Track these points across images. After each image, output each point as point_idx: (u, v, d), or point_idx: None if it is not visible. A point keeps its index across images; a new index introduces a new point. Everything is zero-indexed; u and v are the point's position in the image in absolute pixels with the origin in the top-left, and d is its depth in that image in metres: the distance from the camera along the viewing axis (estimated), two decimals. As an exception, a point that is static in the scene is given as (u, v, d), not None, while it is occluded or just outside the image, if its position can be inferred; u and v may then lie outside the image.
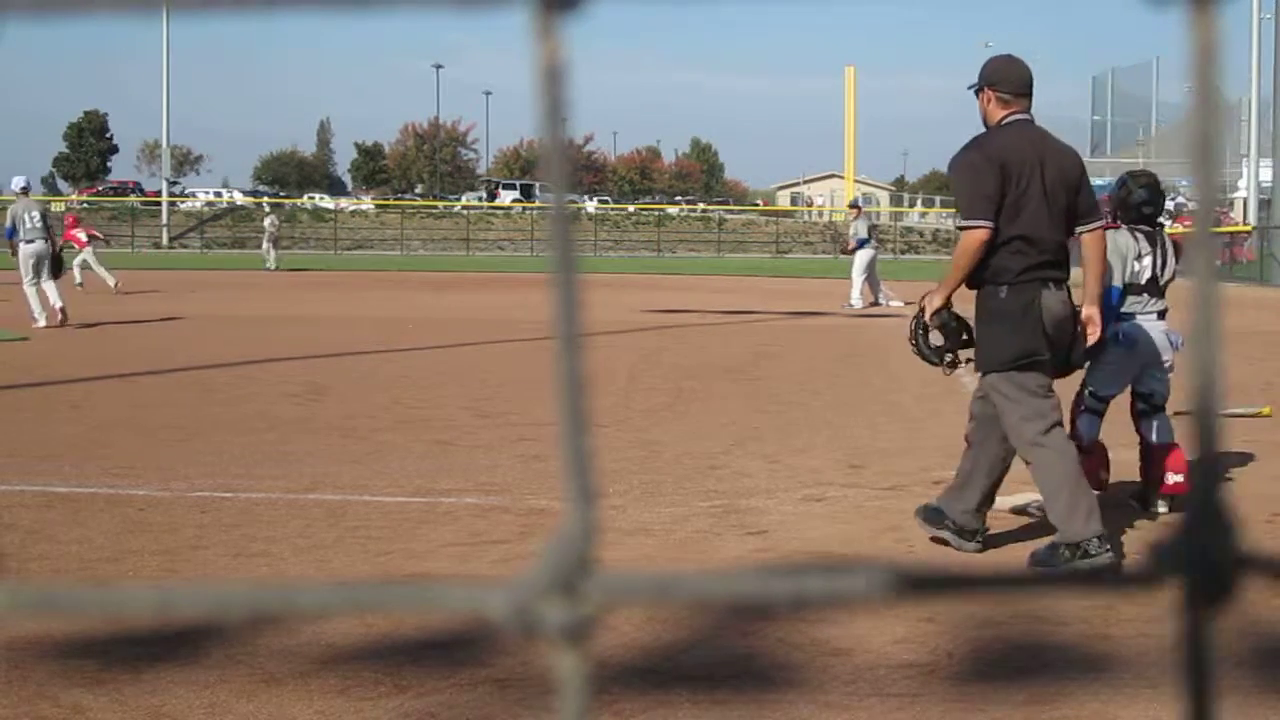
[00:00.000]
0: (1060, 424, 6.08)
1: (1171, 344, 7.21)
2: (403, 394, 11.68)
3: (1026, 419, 5.99)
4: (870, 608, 5.07)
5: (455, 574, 5.76)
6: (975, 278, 6.06)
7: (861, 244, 25.19)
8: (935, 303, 6.18)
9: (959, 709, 4.24)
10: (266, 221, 42.86)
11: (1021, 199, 5.93)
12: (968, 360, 6.29)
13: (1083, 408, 7.21)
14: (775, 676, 4.49)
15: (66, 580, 5.51)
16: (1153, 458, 7.18)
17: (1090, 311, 6.20)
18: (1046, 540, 6.13)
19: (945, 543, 6.32)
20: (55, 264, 18.53)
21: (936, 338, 6.34)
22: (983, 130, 6.24)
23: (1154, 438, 7.19)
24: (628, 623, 4.85)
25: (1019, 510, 7.12)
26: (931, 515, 6.40)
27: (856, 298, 25.18)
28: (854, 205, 27.36)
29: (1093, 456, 7.06)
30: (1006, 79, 6.13)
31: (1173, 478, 7.09)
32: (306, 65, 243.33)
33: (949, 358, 6.33)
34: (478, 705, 4.17)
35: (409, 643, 4.70)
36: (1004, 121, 6.13)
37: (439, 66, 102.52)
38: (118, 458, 8.33)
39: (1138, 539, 6.59)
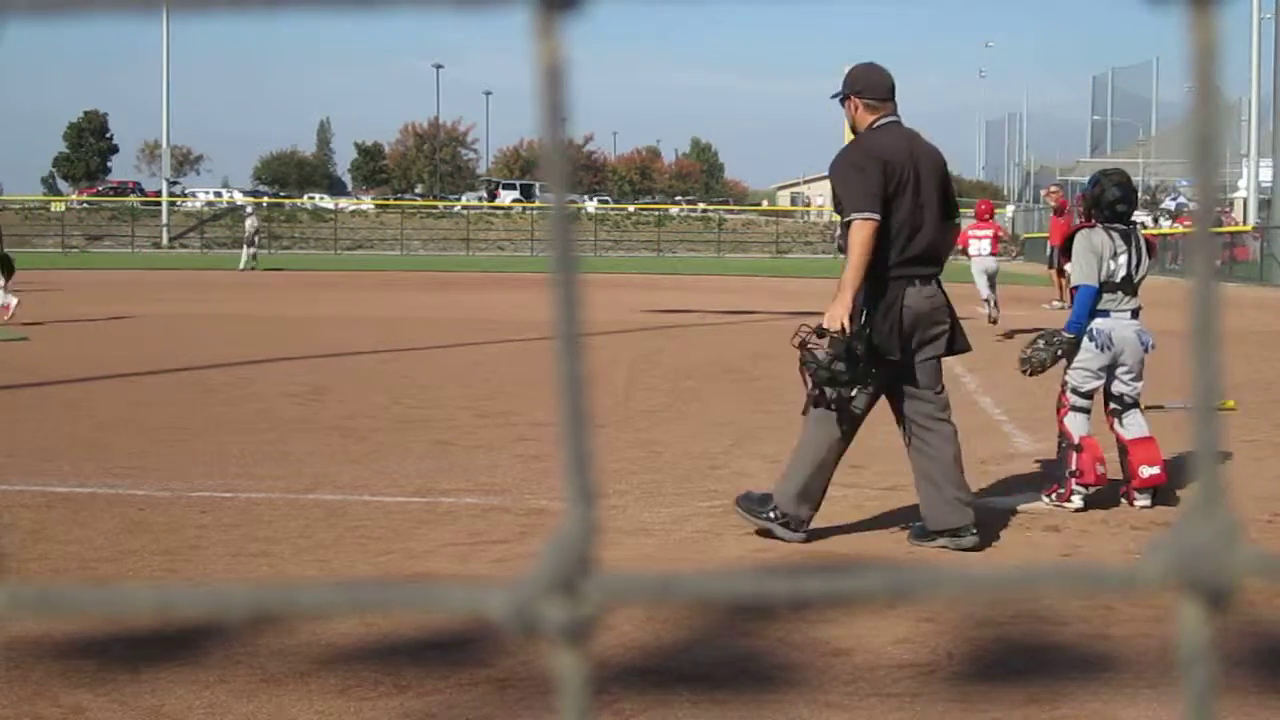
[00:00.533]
0: (854, 425, 6.32)
1: (1143, 345, 7.21)
2: (403, 394, 11.68)
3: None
4: (870, 608, 5.07)
5: (455, 574, 5.76)
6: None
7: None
8: (838, 317, 6.12)
9: (959, 709, 4.24)
10: (248, 222, 42.67)
11: (900, 196, 6.20)
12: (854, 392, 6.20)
13: (1069, 407, 7.22)
14: (775, 676, 4.49)
15: (66, 580, 5.51)
16: (1129, 453, 7.18)
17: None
18: (760, 493, 6.53)
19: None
20: (4, 265, 18.60)
21: (840, 368, 6.17)
22: (853, 136, 6.52)
23: (1127, 434, 7.20)
24: (628, 622, 4.85)
25: (1016, 509, 7.13)
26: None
27: None
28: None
29: (1085, 453, 7.07)
30: (871, 86, 6.40)
31: (1148, 470, 7.10)
32: (306, 65, 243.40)
33: (846, 390, 6.20)
34: (478, 705, 4.17)
35: (409, 643, 4.70)
36: (876, 125, 6.37)
37: (439, 66, 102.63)
38: (117, 458, 8.33)
39: (1132, 538, 6.60)
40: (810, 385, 6.28)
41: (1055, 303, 24.62)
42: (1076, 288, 7.26)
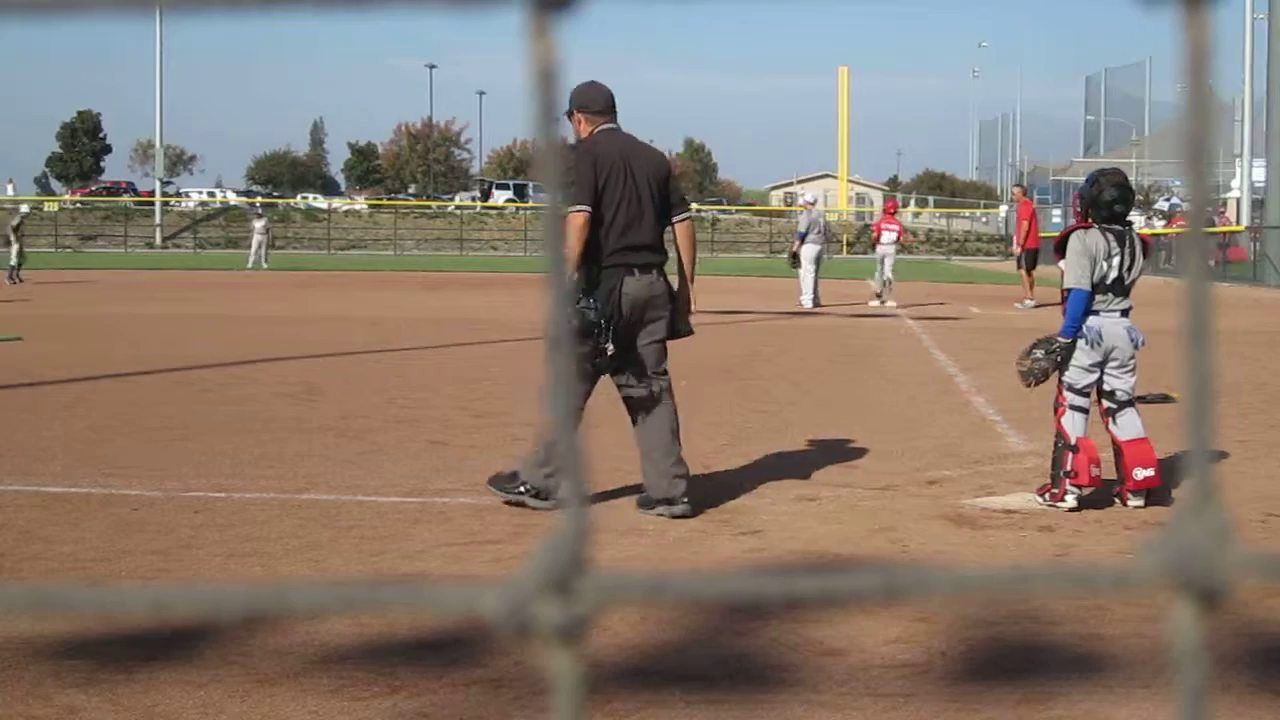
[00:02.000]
0: (586, 395, 6.87)
1: (1133, 341, 7.22)
2: (397, 394, 11.67)
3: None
4: (863, 607, 5.07)
5: (449, 574, 5.76)
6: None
7: (801, 238, 25.13)
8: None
9: (953, 709, 4.24)
10: (260, 224, 42.84)
11: (613, 193, 6.81)
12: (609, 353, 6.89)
13: (1066, 407, 7.21)
14: (769, 676, 4.50)
15: (60, 580, 5.51)
16: (1123, 454, 7.19)
17: (690, 291, 7.25)
18: (509, 471, 7.07)
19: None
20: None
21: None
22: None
23: (1122, 435, 7.21)
24: (622, 622, 4.85)
25: (1010, 509, 7.14)
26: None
27: (807, 295, 25.23)
28: (804, 200, 27.56)
29: (1080, 454, 7.07)
30: (591, 101, 7.05)
31: (1141, 473, 7.11)
32: (300, 65, 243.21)
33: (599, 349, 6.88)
34: (472, 705, 4.17)
35: (403, 643, 4.70)
36: (595, 133, 7.01)
37: (432, 67, 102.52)
38: (111, 458, 8.32)
39: (1125, 538, 6.61)
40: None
41: (1028, 302, 25.03)
42: (1069, 290, 7.23)
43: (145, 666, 4.43)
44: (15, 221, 31.39)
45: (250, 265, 40.38)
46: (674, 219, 7.17)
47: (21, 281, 29.41)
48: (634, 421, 7.10)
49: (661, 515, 6.84)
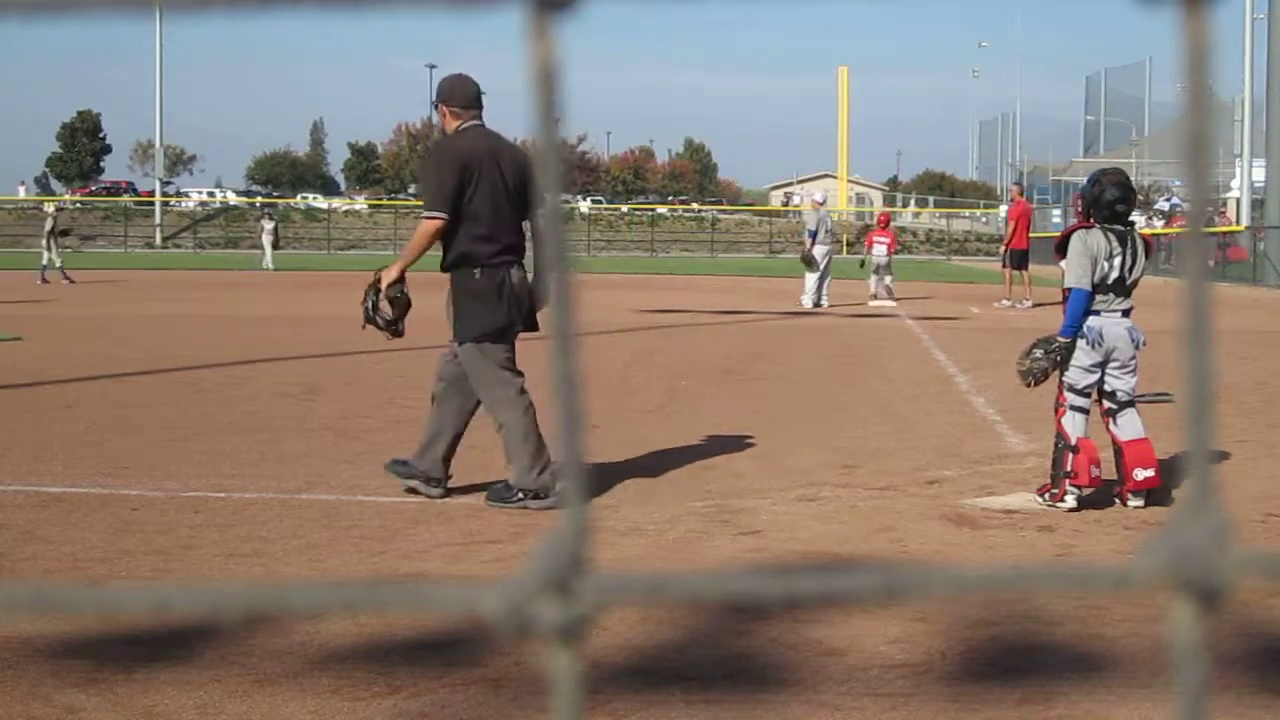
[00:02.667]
0: (523, 389, 7.05)
1: (1134, 342, 7.21)
2: (397, 394, 11.67)
3: (496, 384, 7.02)
4: (863, 607, 5.07)
5: (449, 574, 5.76)
6: (450, 261, 7.13)
7: (813, 236, 25.04)
8: (391, 275, 7.30)
9: (953, 709, 4.24)
10: (269, 225, 42.99)
11: (483, 192, 6.96)
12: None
13: (1067, 407, 7.21)
14: (769, 676, 4.49)
15: (60, 580, 5.50)
16: (1123, 455, 7.18)
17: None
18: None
19: (416, 491, 7.14)
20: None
21: (387, 309, 7.40)
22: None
23: (1122, 436, 7.20)
24: (621, 623, 4.85)
25: (1010, 509, 7.14)
26: (399, 468, 7.25)
27: (809, 296, 25.21)
28: (814, 199, 27.49)
29: (1080, 454, 7.07)
30: (455, 96, 7.21)
31: (1142, 473, 7.10)
32: (300, 65, 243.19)
33: (396, 327, 7.47)
34: (471, 705, 4.16)
35: (402, 643, 4.70)
36: (461, 129, 7.15)
37: (432, 66, 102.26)
38: (111, 458, 8.32)
39: (1125, 538, 6.60)
40: (363, 322, 7.55)
41: (1005, 300, 25.12)
42: (1069, 290, 7.22)
43: (145, 666, 4.43)
44: (49, 226, 31.46)
45: (264, 265, 40.62)
46: (536, 216, 7.27)
47: (60, 282, 29.42)
48: (435, 399, 7.31)
49: (414, 484, 7.17)
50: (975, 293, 31.27)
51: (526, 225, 7.20)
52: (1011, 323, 20.77)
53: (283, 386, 12.06)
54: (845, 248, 64.98)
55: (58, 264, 30.62)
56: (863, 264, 27.28)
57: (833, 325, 20.87)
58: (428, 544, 6.29)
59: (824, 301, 25.09)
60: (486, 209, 6.96)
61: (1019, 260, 25.98)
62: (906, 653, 4.71)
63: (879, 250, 27.05)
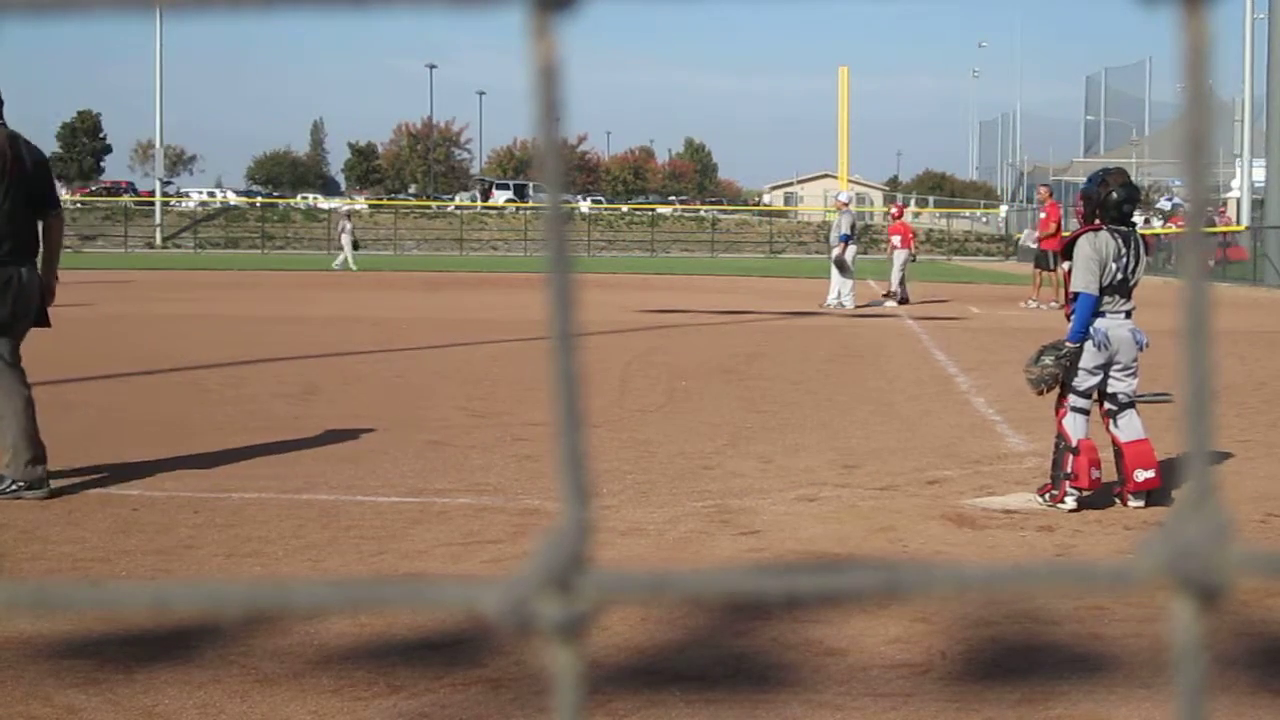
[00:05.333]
0: (25, 382, 7.31)
1: (1138, 343, 7.20)
2: (396, 394, 11.67)
3: None
4: (863, 607, 5.07)
5: (448, 574, 5.76)
6: None
7: (845, 240, 24.84)
8: None
9: (953, 709, 4.24)
10: (346, 224, 43.03)
11: (7, 187, 7.04)
12: None
13: (1068, 409, 7.21)
14: (769, 676, 4.50)
15: (60, 580, 5.50)
16: (1123, 456, 7.18)
17: (51, 283, 7.49)
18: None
19: (19, 496, 7.05)
20: None
21: None
22: None
23: (1122, 437, 7.20)
24: (622, 623, 4.85)
25: (1010, 509, 7.14)
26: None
27: (834, 295, 24.95)
28: (840, 200, 27.31)
29: (1081, 456, 7.07)
30: None
31: (1142, 474, 7.10)
32: (300, 65, 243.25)
33: None
34: (471, 705, 4.17)
35: (402, 643, 4.70)
36: None
37: (432, 66, 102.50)
38: (111, 457, 8.32)
39: (1125, 538, 6.61)
40: None
41: (1030, 301, 24.94)
42: (1076, 294, 7.20)
43: (145, 666, 4.43)
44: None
45: (337, 266, 40.78)
46: (49, 215, 7.43)
47: None
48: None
49: (18, 494, 7.09)
50: (975, 293, 31.27)
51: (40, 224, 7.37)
52: (1011, 322, 20.78)
53: (283, 386, 12.06)
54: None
55: None
56: (842, 268, 25.85)
57: (833, 325, 20.87)
58: (427, 544, 6.29)
59: (847, 303, 24.74)
60: (4, 209, 7.09)
61: (1051, 261, 25.64)
62: (906, 653, 4.71)
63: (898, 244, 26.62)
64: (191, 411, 10.51)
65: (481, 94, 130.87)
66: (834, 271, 24.99)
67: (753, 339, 18.20)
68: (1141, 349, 7.22)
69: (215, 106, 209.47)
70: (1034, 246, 26.81)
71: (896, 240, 26.58)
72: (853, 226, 24.96)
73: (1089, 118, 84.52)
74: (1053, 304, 24.79)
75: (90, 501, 7.06)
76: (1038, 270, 26.04)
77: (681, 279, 38.35)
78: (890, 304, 25.56)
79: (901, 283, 26.25)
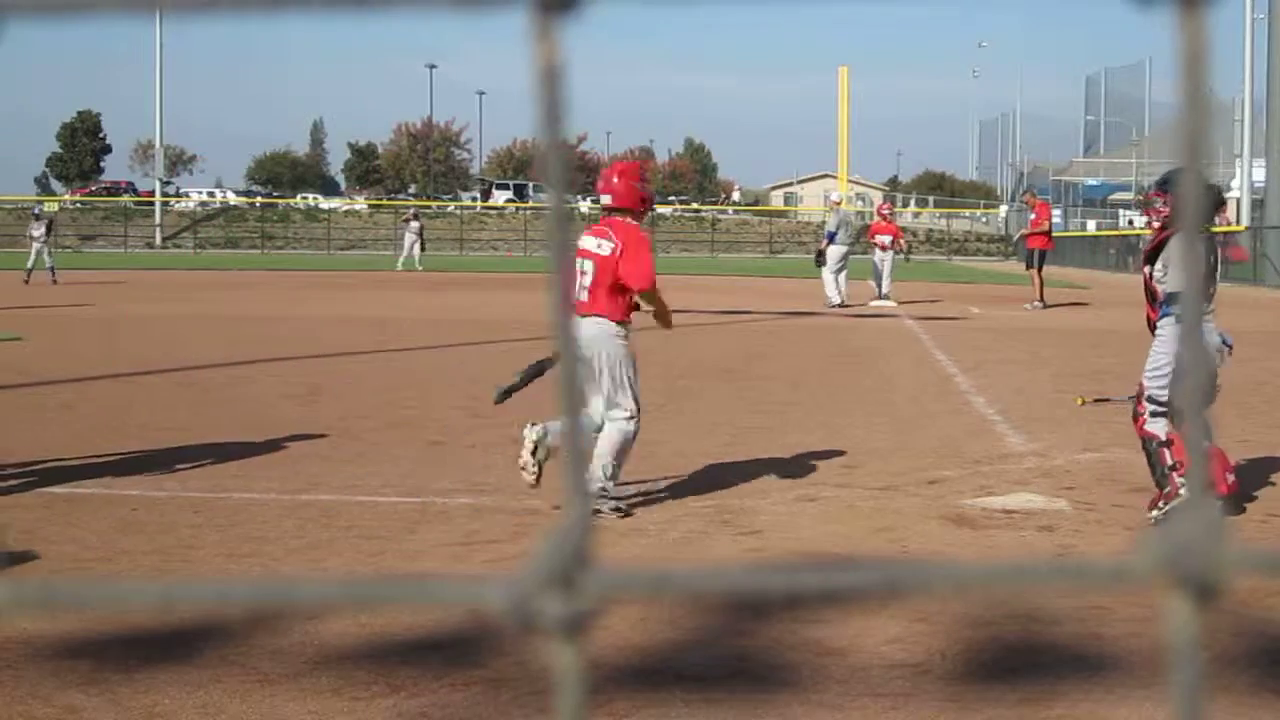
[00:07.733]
0: None
1: (1228, 345, 6.99)
2: (397, 394, 11.67)
3: None
4: (864, 606, 5.07)
5: (449, 574, 5.76)
6: None
7: (830, 238, 24.93)
8: None
9: (952, 709, 4.25)
10: (414, 225, 43.03)
11: None
12: None
13: (1146, 415, 6.89)
14: (769, 676, 4.50)
15: (61, 580, 5.50)
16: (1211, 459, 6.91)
17: None
18: None
19: None
20: None
21: None
22: None
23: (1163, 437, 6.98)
24: (622, 622, 4.85)
25: (1010, 509, 7.14)
26: None
27: (833, 294, 24.92)
28: (831, 199, 27.37)
29: (1213, 462, 6.58)
30: None
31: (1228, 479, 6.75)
32: (300, 65, 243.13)
33: None
34: (471, 705, 4.17)
35: (402, 643, 4.71)
36: None
37: (432, 67, 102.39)
38: (111, 458, 8.32)
39: (1125, 538, 6.60)
40: None
41: (1036, 303, 24.88)
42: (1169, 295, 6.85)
43: (145, 666, 4.43)
44: (43, 229, 31.54)
45: (401, 265, 40.90)
46: None
47: (43, 283, 29.42)
48: None
49: None
50: (975, 293, 31.26)
51: None
52: (1011, 322, 20.77)
53: (284, 386, 12.06)
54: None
55: (47, 264, 30.61)
56: (819, 259, 25.83)
57: (833, 325, 20.87)
58: (428, 544, 6.29)
59: (833, 297, 24.77)
60: None
61: (1035, 259, 25.53)
62: (906, 653, 4.71)
63: (882, 242, 26.38)
64: (191, 411, 10.51)
65: (481, 94, 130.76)
66: (824, 272, 25.15)
67: (753, 339, 18.20)
68: (1229, 350, 7.01)
69: (215, 107, 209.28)
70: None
71: (887, 240, 26.35)
72: (840, 225, 25.00)
73: (1089, 118, 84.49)
74: (1038, 304, 24.79)
75: (91, 501, 7.06)
76: (1031, 270, 25.96)
77: (681, 279, 38.33)
78: (890, 304, 25.51)
79: (880, 280, 26.20)
